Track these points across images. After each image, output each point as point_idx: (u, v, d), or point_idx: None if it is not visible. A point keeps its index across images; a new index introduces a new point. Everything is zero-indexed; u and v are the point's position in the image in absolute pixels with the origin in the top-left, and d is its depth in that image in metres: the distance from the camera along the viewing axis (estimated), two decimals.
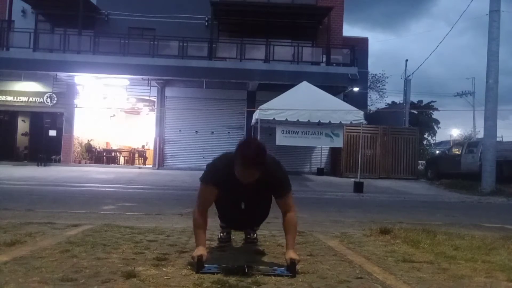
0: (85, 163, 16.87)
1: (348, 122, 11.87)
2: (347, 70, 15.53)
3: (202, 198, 2.63)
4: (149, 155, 18.25)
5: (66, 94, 16.53)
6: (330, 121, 11.55)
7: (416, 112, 30.16)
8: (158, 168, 16.14)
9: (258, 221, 3.10)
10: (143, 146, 19.65)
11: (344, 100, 14.50)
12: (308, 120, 11.49)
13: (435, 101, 35.76)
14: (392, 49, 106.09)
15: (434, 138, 35.34)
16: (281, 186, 2.62)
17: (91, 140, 17.81)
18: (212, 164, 2.66)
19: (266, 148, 2.46)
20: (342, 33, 17.86)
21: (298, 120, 11.46)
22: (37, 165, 15.15)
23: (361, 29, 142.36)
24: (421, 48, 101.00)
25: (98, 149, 18.29)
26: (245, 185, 2.51)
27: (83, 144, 17.39)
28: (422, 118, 31.78)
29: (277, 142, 11.78)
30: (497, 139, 14.34)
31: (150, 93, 16.78)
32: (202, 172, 2.68)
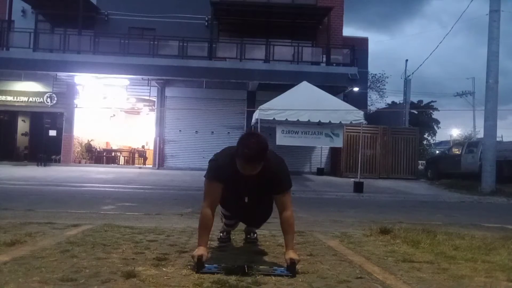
0: (85, 163, 16.87)
1: (348, 122, 11.87)
2: (347, 70, 15.54)
3: (209, 195, 2.62)
4: (149, 155, 18.25)
5: (66, 94, 16.53)
6: (330, 121, 11.55)
7: (416, 112, 30.15)
8: (158, 168, 16.14)
9: (260, 219, 3.09)
10: (143, 146, 19.66)
11: (344, 100, 14.49)
12: (308, 120, 11.49)
13: (435, 101, 35.75)
14: (388, 50, 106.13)
15: (434, 138, 35.31)
16: (281, 183, 2.64)
17: (91, 140, 17.81)
18: (215, 160, 2.68)
19: (267, 141, 2.50)
20: (342, 33, 17.86)
21: (298, 120, 11.46)
22: (37, 165, 15.15)
23: (356, 29, 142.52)
24: (416, 48, 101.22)
25: (98, 149, 18.29)
26: (248, 180, 2.55)
27: (83, 144, 17.39)
28: (422, 118, 31.74)
29: (277, 142, 11.77)
30: (497, 139, 14.34)
31: (150, 93, 16.78)
32: (202, 172, 2.68)
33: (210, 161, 2.70)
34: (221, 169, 2.60)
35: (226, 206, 2.99)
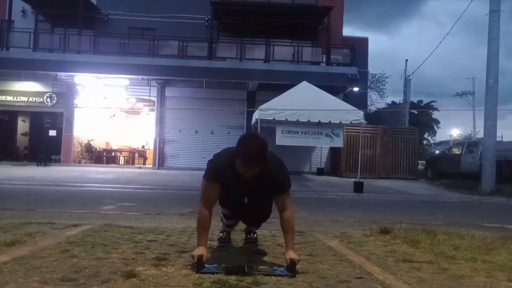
0: (85, 163, 16.87)
1: (348, 122, 11.87)
2: (347, 70, 15.54)
3: (206, 195, 2.62)
4: (149, 155, 18.26)
5: (66, 94, 16.53)
6: (330, 121, 11.55)
7: (416, 112, 30.16)
8: (158, 168, 16.14)
9: (260, 219, 3.09)
10: (143, 146, 19.66)
11: (344, 100, 14.49)
12: (308, 120, 11.49)
13: (435, 101, 35.75)
14: (388, 50, 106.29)
15: (434, 138, 35.35)
16: (281, 184, 2.64)
17: (91, 140, 17.81)
18: (214, 161, 2.67)
19: (267, 144, 2.50)
20: (342, 33, 17.86)
21: (298, 120, 11.46)
22: (37, 165, 15.15)
23: (355, 29, 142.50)
24: (416, 48, 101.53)
25: (98, 149, 18.29)
26: (247, 181, 2.54)
27: (83, 144, 17.39)
28: (422, 118, 31.75)
29: (277, 142, 11.77)
30: (497, 139, 14.33)
31: (150, 93, 16.78)
32: (203, 172, 2.67)
33: (209, 161, 2.70)
34: (220, 170, 2.59)
35: (226, 206, 2.99)
